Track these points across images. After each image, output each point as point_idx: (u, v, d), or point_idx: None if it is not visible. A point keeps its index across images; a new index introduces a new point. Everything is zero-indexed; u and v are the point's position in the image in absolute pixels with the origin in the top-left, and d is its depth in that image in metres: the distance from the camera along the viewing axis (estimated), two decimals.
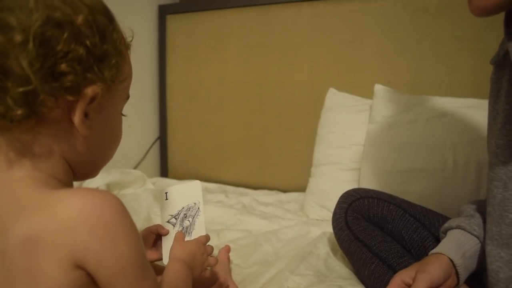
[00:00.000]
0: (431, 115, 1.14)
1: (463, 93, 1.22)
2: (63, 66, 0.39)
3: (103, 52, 0.43)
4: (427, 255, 0.76)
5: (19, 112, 0.38)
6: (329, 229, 0.97)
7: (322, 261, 0.90)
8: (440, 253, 0.67)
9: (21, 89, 0.38)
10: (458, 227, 0.70)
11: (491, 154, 0.64)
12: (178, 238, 0.67)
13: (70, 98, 0.41)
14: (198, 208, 0.71)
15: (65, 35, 0.39)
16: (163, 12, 1.74)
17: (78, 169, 0.48)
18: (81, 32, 0.41)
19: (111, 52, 0.44)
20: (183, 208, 0.72)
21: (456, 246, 0.68)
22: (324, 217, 1.23)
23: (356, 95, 1.38)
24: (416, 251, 0.78)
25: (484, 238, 0.67)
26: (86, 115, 0.44)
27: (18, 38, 0.37)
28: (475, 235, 0.68)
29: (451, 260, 0.66)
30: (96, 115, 0.45)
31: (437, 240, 0.77)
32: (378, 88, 1.29)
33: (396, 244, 0.78)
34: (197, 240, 0.67)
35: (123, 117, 0.53)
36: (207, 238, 0.69)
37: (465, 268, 0.67)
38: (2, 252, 0.40)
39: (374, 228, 0.81)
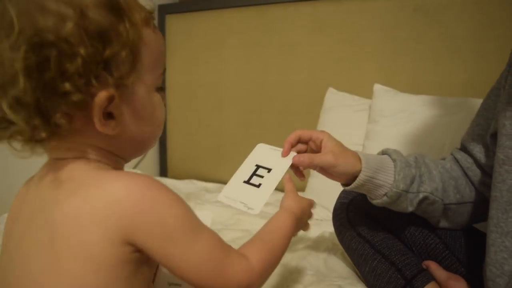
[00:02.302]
0: (430, 115, 1.14)
1: (462, 92, 1.23)
2: (66, 86, 0.38)
3: (106, 56, 0.40)
4: (429, 253, 0.76)
5: (43, 134, 0.39)
6: (329, 228, 0.97)
7: (322, 260, 0.89)
8: (361, 160, 0.67)
9: (22, 126, 0.38)
10: (394, 161, 0.69)
11: (503, 136, 0.61)
12: (291, 190, 0.66)
13: (80, 113, 0.40)
14: None
15: (56, 54, 0.37)
16: (162, 12, 1.74)
17: (126, 155, 0.49)
18: (72, 45, 0.37)
19: (118, 50, 0.41)
20: None
21: (376, 168, 0.67)
22: (324, 216, 1.22)
23: (355, 94, 1.38)
24: (418, 249, 0.78)
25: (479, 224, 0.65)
26: (110, 114, 0.43)
27: (10, 72, 0.37)
28: (395, 168, 0.68)
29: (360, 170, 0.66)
30: (121, 111, 0.44)
31: (439, 238, 0.76)
32: (378, 87, 1.29)
33: (398, 241, 0.77)
34: (310, 200, 0.66)
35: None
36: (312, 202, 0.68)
37: (359, 187, 0.68)
38: (53, 226, 0.41)
39: (376, 225, 0.80)
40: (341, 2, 1.42)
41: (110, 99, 0.41)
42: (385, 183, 0.68)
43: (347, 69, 1.43)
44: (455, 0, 1.26)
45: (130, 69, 0.42)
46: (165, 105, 0.53)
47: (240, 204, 0.66)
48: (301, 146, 0.73)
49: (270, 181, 0.67)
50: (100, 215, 0.40)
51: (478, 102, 1.12)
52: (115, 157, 0.48)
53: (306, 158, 0.66)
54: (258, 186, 0.67)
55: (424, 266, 0.73)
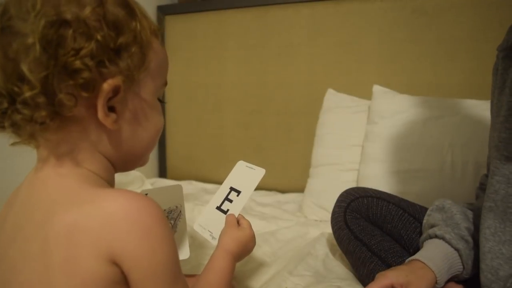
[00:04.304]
0: (429, 116, 1.14)
1: (461, 94, 1.23)
2: (77, 63, 0.39)
3: (118, 44, 0.41)
4: None
5: (43, 113, 0.39)
6: (328, 229, 0.97)
7: (321, 261, 0.89)
8: (432, 270, 0.66)
9: (28, 94, 0.38)
10: (452, 245, 0.69)
11: (493, 147, 0.63)
12: (230, 223, 0.65)
13: (85, 94, 0.41)
14: (180, 211, 0.70)
15: (72, 33, 0.39)
16: (162, 13, 1.74)
17: (118, 162, 0.49)
18: (89, 27, 0.40)
19: (130, 42, 0.42)
20: (165, 210, 0.70)
21: (448, 267, 0.67)
22: (323, 217, 1.23)
23: (354, 96, 1.38)
24: (415, 251, 0.77)
25: (476, 233, 0.66)
26: (112, 108, 0.43)
27: (27, 43, 0.38)
28: (461, 260, 0.68)
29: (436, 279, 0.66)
30: (123, 107, 0.45)
31: None
32: (377, 89, 1.29)
33: (395, 244, 0.78)
34: (249, 231, 0.64)
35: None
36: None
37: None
38: (44, 239, 0.40)
39: (373, 228, 0.81)
40: (340, 3, 1.42)
41: (116, 90, 0.42)
42: (458, 272, 0.69)
43: (346, 71, 1.43)
44: (453, 2, 1.27)
45: (139, 63, 0.44)
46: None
47: (207, 233, 0.68)
48: None
49: (235, 207, 0.68)
50: (94, 233, 0.39)
51: (476, 103, 1.13)
52: (107, 162, 0.47)
53: None
54: (226, 212, 0.68)
55: None
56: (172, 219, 0.69)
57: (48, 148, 0.44)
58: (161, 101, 0.52)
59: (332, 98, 1.40)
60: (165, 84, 0.52)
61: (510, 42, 0.62)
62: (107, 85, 0.41)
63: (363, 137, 1.26)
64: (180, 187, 0.73)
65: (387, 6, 1.35)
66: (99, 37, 0.40)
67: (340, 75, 1.44)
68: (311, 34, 1.48)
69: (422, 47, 1.31)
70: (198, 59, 1.70)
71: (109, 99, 0.43)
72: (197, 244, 0.95)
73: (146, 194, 0.70)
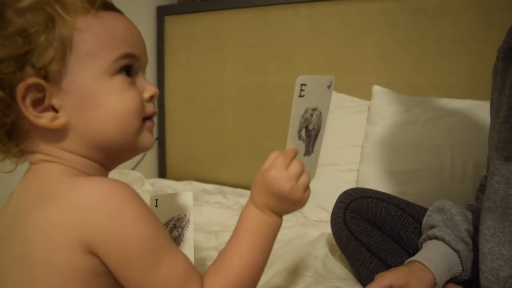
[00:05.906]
0: (429, 116, 1.14)
1: (460, 94, 1.23)
2: None
3: (25, 50, 0.40)
4: None
5: None
6: (327, 230, 0.97)
7: (320, 262, 0.89)
8: (431, 272, 0.66)
9: None
10: (452, 247, 0.69)
11: (492, 148, 0.63)
12: (273, 157, 0.48)
13: (5, 108, 0.41)
14: (188, 220, 0.69)
15: None
16: (161, 13, 1.74)
17: (101, 157, 0.47)
18: None
19: (38, 40, 0.40)
20: (173, 218, 0.70)
21: (447, 269, 0.67)
22: (322, 218, 1.23)
23: (354, 96, 1.38)
24: (415, 251, 0.78)
25: (477, 234, 0.66)
26: (53, 108, 0.42)
27: None
28: (461, 261, 0.68)
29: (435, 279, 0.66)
30: (61, 102, 0.42)
31: None
32: (376, 89, 1.29)
33: (395, 244, 0.78)
34: (284, 157, 0.47)
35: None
36: (294, 151, 0.49)
37: None
38: (25, 237, 0.40)
39: (372, 228, 0.81)
40: (340, 4, 1.42)
41: (38, 88, 0.41)
42: (458, 273, 0.69)
43: (346, 71, 1.43)
44: (453, 2, 1.26)
45: (54, 56, 0.41)
46: (153, 93, 0.49)
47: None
48: None
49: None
50: (66, 225, 0.39)
51: (476, 103, 1.13)
52: (85, 160, 0.46)
53: None
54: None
55: None
56: (179, 227, 0.69)
57: (27, 156, 0.45)
58: (128, 67, 0.46)
59: (332, 98, 1.39)
60: (126, 55, 0.45)
61: (510, 44, 0.62)
62: (18, 90, 0.40)
63: (363, 138, 1.26)
64: (190, 195, 0.72)
65: (386, 6, 1.35)
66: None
67: (340, 75, 1.44)
68: (311, 34, 1.48)
69: (422, 47, 1.31)
70: (198, 59, 1.70)
71: (40, 99, 0.41)
72: (197, 245, 0.95)
73: (157, 200, 0.70)
